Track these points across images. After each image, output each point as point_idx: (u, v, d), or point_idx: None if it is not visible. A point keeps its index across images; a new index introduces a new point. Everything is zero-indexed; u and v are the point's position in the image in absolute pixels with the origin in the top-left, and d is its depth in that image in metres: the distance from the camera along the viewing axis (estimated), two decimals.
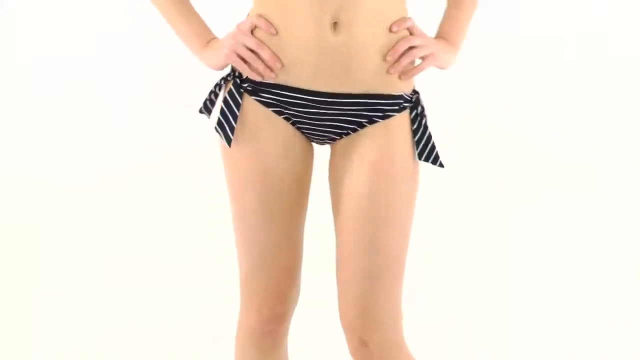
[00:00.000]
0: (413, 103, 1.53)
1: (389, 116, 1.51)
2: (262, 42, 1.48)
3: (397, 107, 1.51)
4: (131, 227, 3.15)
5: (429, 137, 1.54)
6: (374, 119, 1.51)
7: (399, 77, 1.51)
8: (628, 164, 3.29)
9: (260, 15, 1.49)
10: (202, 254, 2.89)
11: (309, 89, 1.48)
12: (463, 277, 2.82)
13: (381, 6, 1.47)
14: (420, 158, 1.53)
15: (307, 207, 1.62)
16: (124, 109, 3.53)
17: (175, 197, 3.22)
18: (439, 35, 1.61)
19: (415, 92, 1.56)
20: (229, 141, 1.50)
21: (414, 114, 1.53)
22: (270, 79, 1.50)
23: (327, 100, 1.49)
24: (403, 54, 1.49)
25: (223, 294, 2.32)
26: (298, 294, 1.65)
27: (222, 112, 1.52)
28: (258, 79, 1.50)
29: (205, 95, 1.61)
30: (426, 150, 1.53)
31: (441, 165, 1.53)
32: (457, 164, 3.37)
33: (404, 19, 1.50)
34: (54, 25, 3.52)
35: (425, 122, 1.54)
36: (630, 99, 3.40)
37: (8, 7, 3.49)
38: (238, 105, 1.51)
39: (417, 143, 1.52)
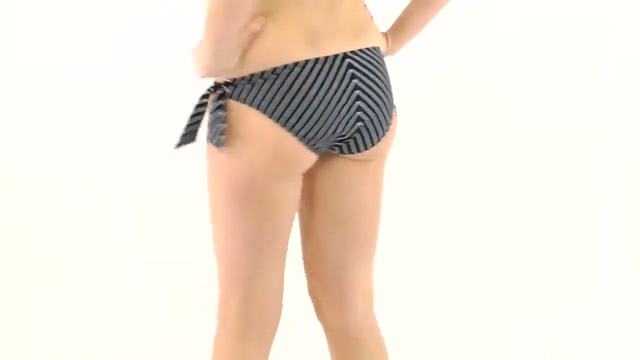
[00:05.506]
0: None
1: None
2: None
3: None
4: (130, 227, 3.16)
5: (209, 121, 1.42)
6: None
7: None
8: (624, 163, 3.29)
9: None
10: (199, 255, 2.90)
11: None
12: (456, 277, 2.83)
13: None
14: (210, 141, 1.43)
15: None
16: (123, 109, 3.54)
17: (175, 198, 3.23)
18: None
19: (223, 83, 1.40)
20: None
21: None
22: None
23: None
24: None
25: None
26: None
27: None
28: None
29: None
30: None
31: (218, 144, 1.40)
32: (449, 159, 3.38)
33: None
34: (54, 25, 3.53)
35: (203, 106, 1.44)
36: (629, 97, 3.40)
37: (8, 7, 3.51)
38: None
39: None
